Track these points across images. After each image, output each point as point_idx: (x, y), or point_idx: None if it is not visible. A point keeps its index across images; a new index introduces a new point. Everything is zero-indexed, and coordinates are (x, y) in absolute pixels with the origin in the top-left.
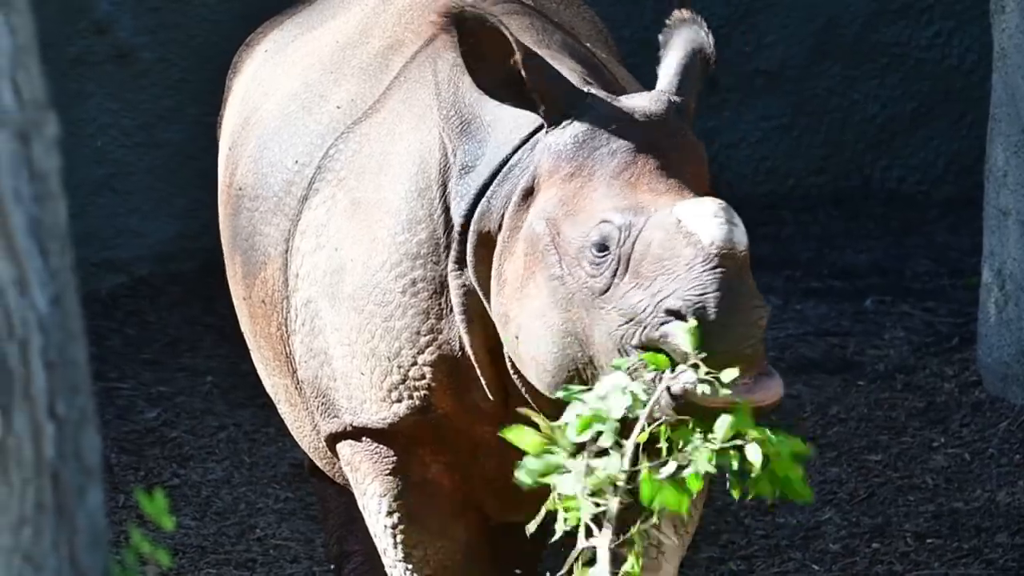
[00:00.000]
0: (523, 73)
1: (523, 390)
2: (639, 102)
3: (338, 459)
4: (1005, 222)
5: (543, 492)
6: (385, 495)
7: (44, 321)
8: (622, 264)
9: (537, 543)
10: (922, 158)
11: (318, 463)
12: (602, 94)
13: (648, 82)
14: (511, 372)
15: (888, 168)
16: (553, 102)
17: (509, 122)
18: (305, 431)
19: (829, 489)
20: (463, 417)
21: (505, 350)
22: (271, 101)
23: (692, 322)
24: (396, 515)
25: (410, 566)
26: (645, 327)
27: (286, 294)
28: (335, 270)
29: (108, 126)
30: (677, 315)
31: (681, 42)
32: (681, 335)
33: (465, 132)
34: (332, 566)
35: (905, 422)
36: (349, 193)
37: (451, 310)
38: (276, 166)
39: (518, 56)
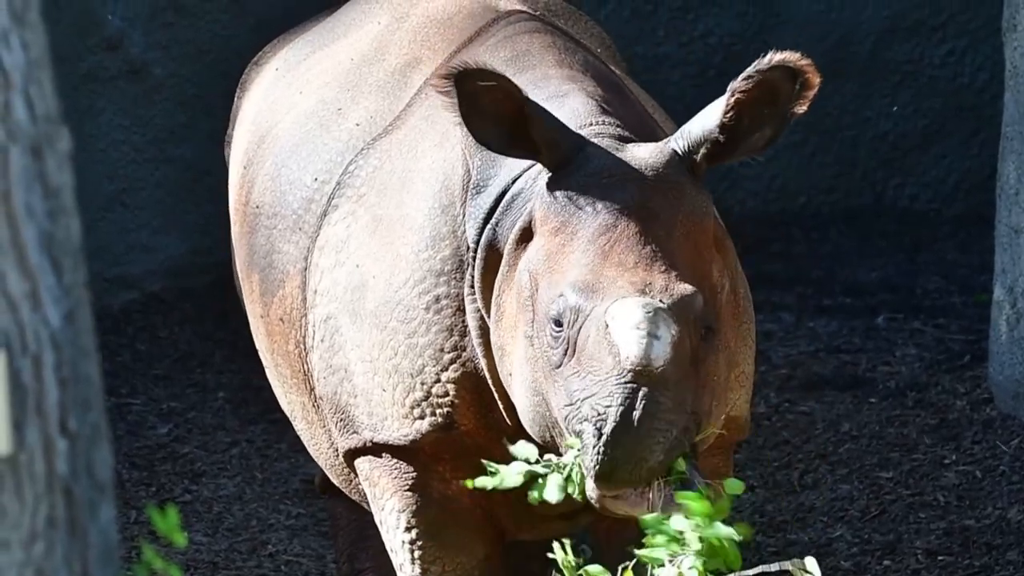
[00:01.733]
0: (527, 123)
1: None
2: (639, 154)
3: (356, 475)
4: (1017, 240)
5: (559, 510)
6: (404, 510)
7: (57, 337)
8: (570, 346)
9: (544, 561)
10: (934, 176)
11: (335, 480)
12: (603, 143)
13: (659, 101)
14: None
15: (900, 186)
16: (554, 150)
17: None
18: (322, 448)
19: (840, 506)
20: (485, 435)
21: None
22: (287, 119)
23: (592, 432)
24: (415, 531)
25: None
26: (573, 419)
27: (304, 311)
28: (356, 287)
29: (120, 142)
30: (588, 421)
31: (733, 86)
32: (587, 441)
33: (482, 150)
34: None
35: (916, 439)
36: (370, 210)
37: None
38: (295, 184)
39: (524, 108)
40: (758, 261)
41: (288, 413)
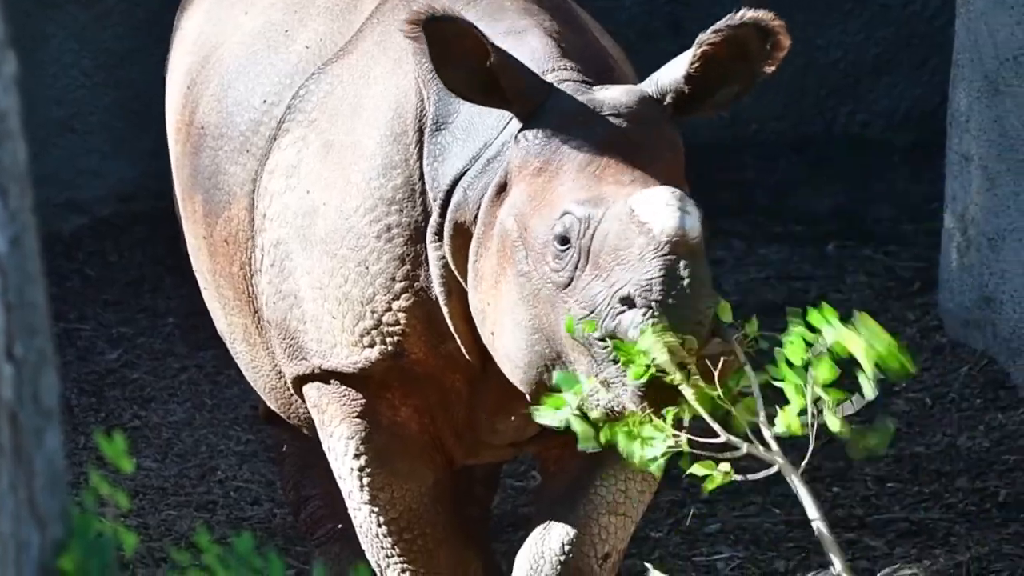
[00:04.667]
0: (496, 72)
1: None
2: (611, 94)
3: (304, 402)
4: (967, 168)
5: (508, 438)
6: (353, 437)
7: (2, 262)
8: (583, 256)
9: (490, 485)
10: (885, 104)
11: (272, 405)
12: (573, 87)
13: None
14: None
15: (851, 113)
16: (523, 98)
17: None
18: (263, 371)
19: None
20: (435, 364)
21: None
22: (232, 40)
23: (641, 308)
24: (363, 457)
25: (376, 508)
26: (604, 318)
27: (251, 234)
28: (307, 212)
29: (69, 67)
30: (629, 303)
31: (701, 38)
32: (629, 323)
33: (439, 82)
34: (289, 510)
35: None
36: (321, 135)
37: (427, 257)
38: (242, 105)
39: (493, 58)
40: (709, 189)
41: (227, 336)
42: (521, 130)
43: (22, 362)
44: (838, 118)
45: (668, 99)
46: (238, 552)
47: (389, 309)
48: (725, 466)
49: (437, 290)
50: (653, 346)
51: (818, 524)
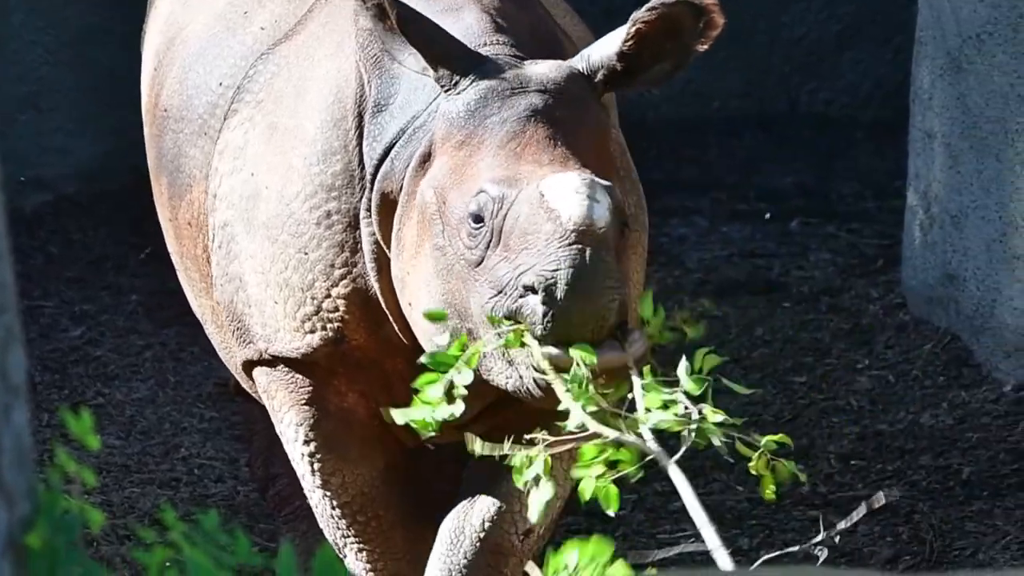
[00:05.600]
0: (407, 36)
1: None
2: (539, 69)
3: (254, 385)
4: (931, 145)
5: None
6: (302, 424)
7: None
8: (495, 236)
9: (460, 460)
10: (848, 80)
11: (245, 385)
12: (503, 61)
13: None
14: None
15: (814, 91)
16: (446, 66)
17: (416, 77)
18: (232, 352)
19: (754, 411)
20: (376, 349)
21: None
22: (198, 20)
23: (542, 297)
24: (313, 443)
25: (328, 492)
26: (508, 298)
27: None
28: (251, 195)
29: (33, 43)
30: (532, 290)
31: (635, 16)
32: (530, 309)
33: (379, 65)
34: (256, 487)
35: (830, 344)
36: (267, 117)
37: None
38: (200, 88)
39: (393, 18)
40: (672, 166)
41: (199, 317)
42: (446, 99)
43: None
44: (802, 95)
45: (599, 76)
46: (204, 529)
47: (328, 296)
48: (599, 469)
49: (368, 267)
50: (535, 352)
51: (695, 510)
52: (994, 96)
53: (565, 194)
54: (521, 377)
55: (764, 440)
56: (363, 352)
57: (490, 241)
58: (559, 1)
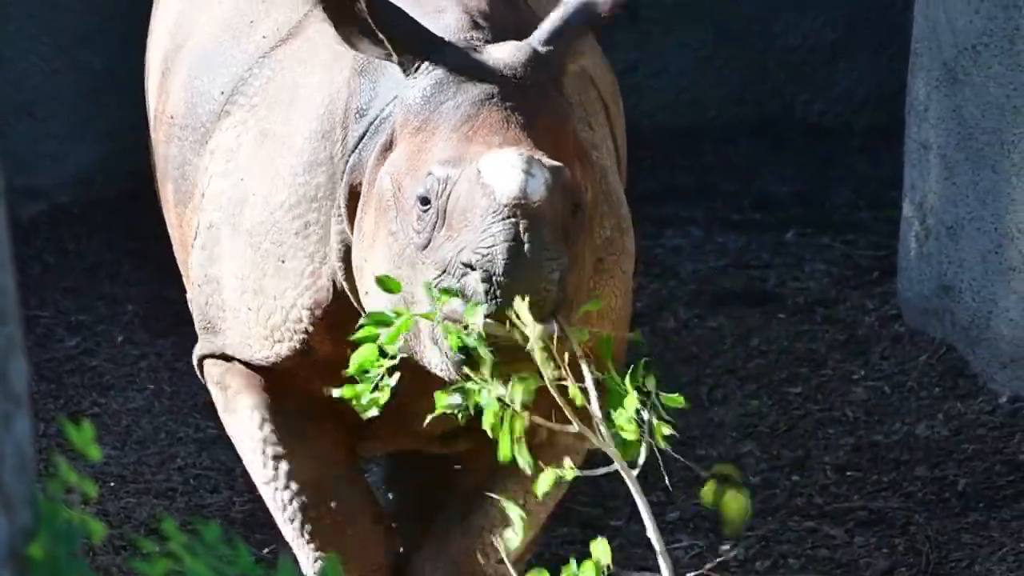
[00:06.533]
0: (369, 19)
1: None
2: (498, 53)
3: (204, 378)
4: (926, 156)
5: (438, 429)
6: (257, 407)
7: None
8: (440, 218)
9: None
10: (844, 90)
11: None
12: (461, 45)
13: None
14: None
15: (810, 100)
16: (404, 50)
17: (392, 72)
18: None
19: (749, 422)
20: (344, 358)
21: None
22: (204, 27)
23: (480, 274)
24: (268, 426)
25: (281, 481)
26: (451, 277)
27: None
28: (239, 200)
29: (27, 50)
30: (471, 267)
31: None
32: (472, 288)
33: (365, 72)
34: (252, 497)
35: (825, 355)
36: (260, 122)
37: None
38: (204, 96)
39: (361, 2)
40: (667, 175)
41: None
42: (404, 87)
43: None
44: (797, 104)
45: (560, 49)
46: (205, 540)
47: (294, 305)
48: (568, 462)
49: (336, 265)
50: (473, 325)
51: (649, 524)
52: (990, 107)
53: (500, 169)
54: (446, 355)
55: (714, 468)
56: (330, 360)
57: (435, 223)
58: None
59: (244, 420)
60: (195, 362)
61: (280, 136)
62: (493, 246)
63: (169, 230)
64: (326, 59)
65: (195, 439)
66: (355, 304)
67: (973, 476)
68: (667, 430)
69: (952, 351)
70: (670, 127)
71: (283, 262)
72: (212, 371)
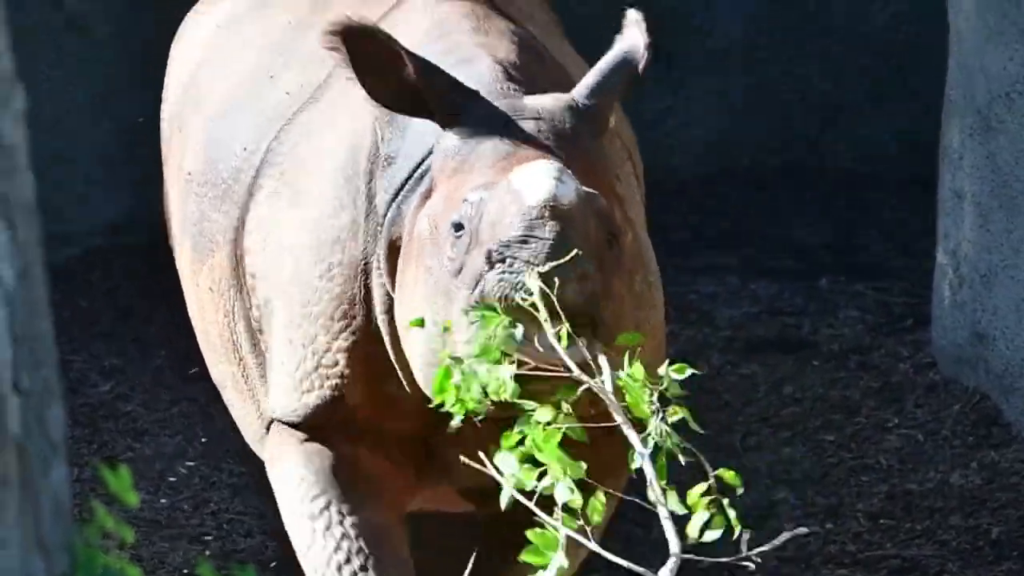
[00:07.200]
0: (419, 81)
1: None
2: (536, 101)
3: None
4: (960, 204)
5: (470, 482)
6: (309, 473)
7: (10, 295)
8: (473, 238)
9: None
10: (877, 137)
11: (261, 455)
12: (498, 93)
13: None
14: None
15: (843, 147)
16: (445, 105)
17: (422, 123)
18: (250, 420)
19: (783, 469)
20: (377, 410)
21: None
22: (222, 82)
23: (535, 278)
24: (323, 497)
25: (331, 547)
26: (488, 291)
27: (233, 283)
28: (278, 265)
29: (61, 98)
30: (495, 261)
31: (618, 46)
32: (497, 279)
33: (392, 121)
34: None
35: (859, 402)
36: (289, 185)
37: (367, 295)
38: (224, 152)
39: (410, 67)
40: (700, 221)
41: (218, 383)
42: (443, 136)
43: (29, 394)
44: (829, 151)
45: (601, 104)
46: None
47: (328, 349)
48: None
49: (380, 318)
50: (531, 284)
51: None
52: None
53: (531, 177)
54: (495, 376)
55: (717, 472)
56: (363, 415)
57: (469, 244)
58: (580, 61)
59: (292, 486)
60: (260, 438)
61: (307, 192)
62: (525, 245)
63: (184, 287)
64: (349, 115)
65: (228, 484)
66: (392, 357)
67: (1007, 524)
68: (682, 414)
69: (986, 399)
70: (703, 174)
71: (310, 309)
72: (270, 448)
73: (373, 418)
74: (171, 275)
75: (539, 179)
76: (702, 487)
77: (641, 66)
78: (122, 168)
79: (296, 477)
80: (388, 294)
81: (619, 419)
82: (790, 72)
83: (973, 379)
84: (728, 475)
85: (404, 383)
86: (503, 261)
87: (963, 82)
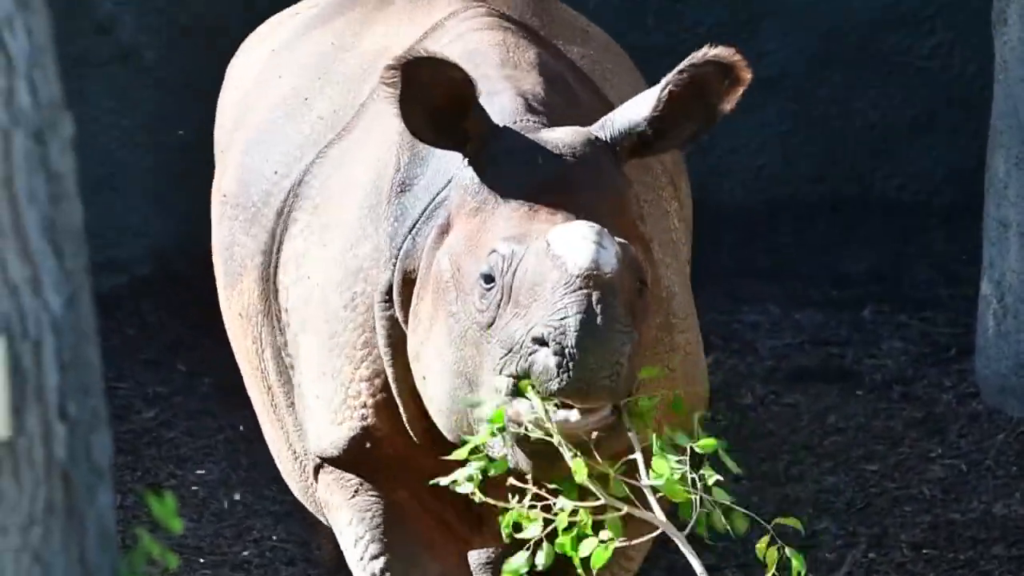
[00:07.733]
0: (466, 112)
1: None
2: (555, 135)
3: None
4: (1005, 234)
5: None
6: (357, 524)
7: (58, 322)
8: (505, 295)
9: None
10: (922, 167)
11: (292, 487)
12: (518, 128)
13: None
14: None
15: (888, 177)
16: (477, 139)
17: (440, 158)
18: (280, 448)
19: (826, 498)
20: (403, 444)
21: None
22: (261, 105)
23: (552, 347)
24: (372, 545)
25: None
26: (519, 357)
27: (261, 308)
28: (308, 299)
29: (109, 126)
30: (542, 342)
31: (666, 80)
32: (542, 364)
33: (413, 148)
34: (327, 569)
35: (902, 432)
36: (320, 218)
37: None
38: (256, 175)
39: (471, 96)
40: (745, 251)
41: (256, 408)
42: (461, 170)
43: (76, 421)
44: (875, 181)
45: (625, 142)
46: None
47: (352, 379)
48: (606, 534)
49: (383, 350)
50: (538, 408)
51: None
52: None
53: (571, 241)
54: (514, 452)
55: (774, 522)
56: (392, 449)
57: (500, 300)
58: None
59: (348, 539)
60: (311, 477)
61: (335, 224)
62: (565, 318)
63: (222, 309)
64: (376, 147)
65: (271, 512)
66: (395, 392)
67: None
68: (716, 476)
69: None
70: (748, 204)
71: (336, 340)
72: (321, 492)
73: (402, 453)
74: (216, 303)
75: (579, 245)
76: (765, 540)
77: (726, 105)
78: (170, 197)
79: (353, 535)
80: (393, 325)
81: (659, 521)
82: (836, 102)
83: (1017, 409)
84: (789, 521)
85: (406, 420)
86: (545, 343)
87: (1009, 112)
